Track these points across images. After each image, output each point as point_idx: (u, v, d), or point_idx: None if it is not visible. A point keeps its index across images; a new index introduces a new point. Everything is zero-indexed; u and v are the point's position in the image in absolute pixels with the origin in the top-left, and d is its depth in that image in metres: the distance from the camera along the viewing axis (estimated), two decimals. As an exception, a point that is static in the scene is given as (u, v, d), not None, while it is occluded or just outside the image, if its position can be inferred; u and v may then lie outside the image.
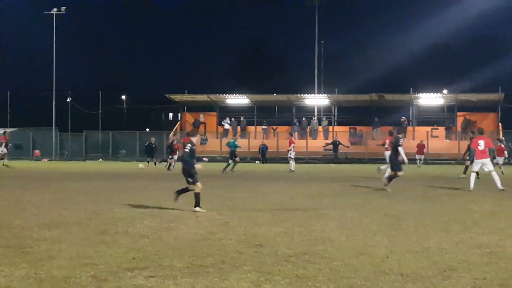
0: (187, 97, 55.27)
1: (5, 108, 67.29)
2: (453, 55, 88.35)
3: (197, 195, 12.37)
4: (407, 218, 11.45)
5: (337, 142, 44.99)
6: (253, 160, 46.95)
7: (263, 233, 9.61)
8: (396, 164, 17.90)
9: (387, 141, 23.99)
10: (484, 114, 52.17)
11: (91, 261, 7.32)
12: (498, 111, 50.75)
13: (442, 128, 52.06)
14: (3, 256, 7.64)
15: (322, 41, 65.93)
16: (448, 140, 50.61)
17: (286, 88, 68.33)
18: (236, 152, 30.44)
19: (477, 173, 25.24)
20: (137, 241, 8.84)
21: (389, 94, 53.15)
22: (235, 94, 54.99)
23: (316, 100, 55.94)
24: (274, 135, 51.94)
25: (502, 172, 27.10)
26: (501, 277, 6.61)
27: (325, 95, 55.08)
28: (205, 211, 12.18)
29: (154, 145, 37.02)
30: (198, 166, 12.64)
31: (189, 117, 55.65)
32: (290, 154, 32.19)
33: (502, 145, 30.37)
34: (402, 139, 18.34)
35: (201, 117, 54.26)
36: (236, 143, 31.16)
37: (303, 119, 53.93)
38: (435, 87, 61.24)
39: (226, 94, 54.83)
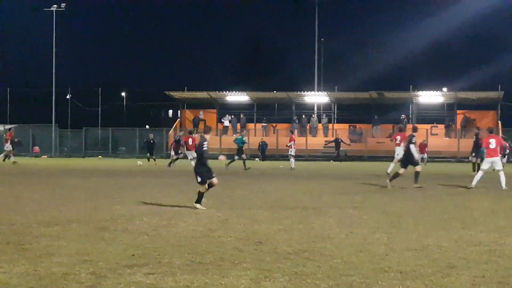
0: (187, 94, 55.22)
1: (4, 105, 67.22)
2: (453, 53, 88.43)
3: (201, 194, 12.36)
4: (406, 216, 11.45)
5: (339, 140, 44.99)
6: (252, 157, 46.94)
7: (263, 230, 9.61)
8: (414, 160, 18.17)
9: (398, 137, 24.12)
10: (483, 112, 52.18)
11: (90, 257, 7.32)
12: (498, 109, 50.75)
13: (441, 126, 52.05)
14: (2, 252, 7.64)
15: (322, 39, 65.89)
16: (447, 138, 50.62)
17: (286, 85, 68.23)
18: (243, 148, 30.73)
19: (473, 169, 25.25)
20: (136, 238, 8.84)
21: (388, 92, 53.13)
22: (235, 91, 54.95)
23: (316, 98, 55.92)
24: (273, 133, 51.91)
25: None
26: (500, 275, 6.61)
27: (325, 93, 55.05)
28: (205, 208, 12.19)
29: (152, 141, 36.91)
30: (222, 157, 12.67)
31: (189, 114, 55.63)
32: (291, 151, 32.22)
33: (507, 144, 30.53)
34: (415, 138, 18.63)
35: (201, 114, 54.23)
36: (244, 139, 31.45)
37: (303, 116, 53.91)
38: (435, 85, 61.21)
39: (226, 91, 54.79)
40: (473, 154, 26.58)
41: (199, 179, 12.39)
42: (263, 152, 46.71)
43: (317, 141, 50.92)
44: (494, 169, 18.24)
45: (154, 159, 35.90)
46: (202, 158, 12.45)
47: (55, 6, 56.62)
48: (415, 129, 19.65)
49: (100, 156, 50.51)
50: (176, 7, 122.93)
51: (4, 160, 35.83)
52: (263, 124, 53.71)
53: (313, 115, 54.92)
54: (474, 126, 37.46)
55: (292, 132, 34.78)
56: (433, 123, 52.99)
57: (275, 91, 56.93)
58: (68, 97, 67.15)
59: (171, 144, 36.01)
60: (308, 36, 69.25)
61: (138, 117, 79.86)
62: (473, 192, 16.99)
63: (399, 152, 23.88)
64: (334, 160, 43.62)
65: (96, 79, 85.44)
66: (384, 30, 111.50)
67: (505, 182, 17.61)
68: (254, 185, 19.26)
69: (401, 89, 56.03)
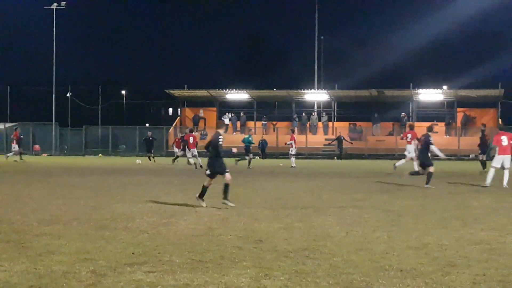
0: (187, 92, 55.19)
1: (5, 103, 67.22)
2: (453, 50, 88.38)
3: (204, 188, 12.45)
4: (407, 214, 11.45)
5: (342, 138, 44.99)
6: (253, 156, 46.87)
7: (263, 228, 9.61)
8: (427, 160, 17.94)
9: (409, 135, 24.08)
10: (484, 110, 52.12)
11: (90, 256, 7.32)
12: (498, 107, 50.70)
13: (442, 124, 52.00)
14: (2, 251, 7.64)
15: (322, 37, 65.83)
16: (448, 136, 50.57)
17: (286, 83, 68.26)
18: (250, 147, 30.98)
19: (483, 166, 25.16)
20: (136, 236, 8.84)
21: (389, 90, 53.09)
22: (235, 89, 54.89)
23: (316, 96, 55.88)
24: (274, 131, 51.88)
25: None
26: (501, 273, 6.61)
27: (325, 91, 55.00)
28: (206, 206, 12.19)
29: (151, 138, 36.83)
30: (234, 149, 12.60)
31: (189, 112, 55.59)
32: (292, 151, 32.23)
33: None
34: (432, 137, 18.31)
35: (201, 113, 54.20)
36: (250, 138, 31.60)
37: (303, 114, 53.87)
38: (435, 83, 61.18)
39: (226, 89, 54.74)
40: (480, 152, 26.49)
41: (208, 172, 12.43)
42: (263, 150, 46.69)
43: (317, 139, 50.88)
44: (502, 167, 17.85)
45: (153, 157, 35.77)
46: (217, 152, 12.39)
47: (55, 4, 56.54)
48: (430, 129, 18.87)
49: (100, 155, 50.50)
50: (177, 5, 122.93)
51: (20, 158, 36.36)
52: (263, 122, 53.68)
53: (313, 113, 54.88)
54: (480, 124, 37.38)
55: (293, 132, 34.81)
56: (433, 121, 52.92)
57: (275, 89, 56.89)
58: (68, 95, 67.16)
59: (176, 141, 35.81)
60: (308, 34, 69.34)
61: (138, 115, 79.89)
62: (473, 190, 16.98)
63: (410, 150, 23.83)
64: (338, 158, 43.55)
65: (97, 77, 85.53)
66: (384, 28, 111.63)
67: (507, 181, 17.50)
68: (254, 183, 19.26)
69: (401, 87, 56.02)
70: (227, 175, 12.25)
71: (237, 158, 30.85)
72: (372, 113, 53.00)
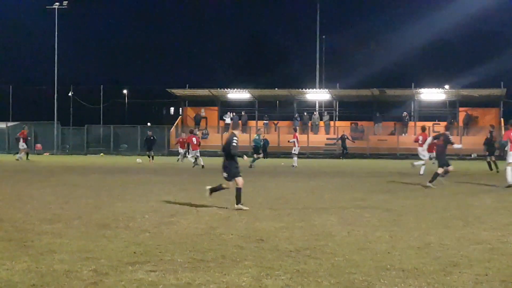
0: (188, 91, 55.21)
1: (7, 102, 67.27)
2: (455, 50, 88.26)
3: (238, 190, 12.03)
4: (408, 214, 11.44)
5: (345, 137, 45.00)
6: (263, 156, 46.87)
7: (264, 228, 9.61)
8: (445, 160, 18.06)
9: (420, 138, 24.00)
10: (486, 110, 52.05)
11: (92, 255, 7.33)
12: (500, 107, 50.64)
13: (443, 124, 51.96)
14: (4, 249, 7.64)
15: (324, 36, 65.78)
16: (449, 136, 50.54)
17: (288, 82, 68.26)
18: (259, 147, 31.11)
19: (490, 168, 25.12)
20: (138, 235, 8.84)
21: (390, 89, 53.07)
22: (236, 88, 54.88)
23: (318, 95, 55.85)
24: (275, 130, 51.89)
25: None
26: (503, 273, 6.59)
27: (327, 90, 54.97)
28: (248, 208, 11.80)
29: (152, 138, 36.79)
30: (245, 158, 12.43)
31: (190, 112, 55.61)
32: (294, 150, 32.21)
33: None
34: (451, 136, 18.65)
35: (202, 112, 54.21)
36: (258, 138, 31.68)
37: (305, 113, 53.86)
38: (437, 82, 61.09)
39: (227, 88, 54.74)
40: (488, 154, 26.37)
41: (225, 174, 12.16)
42: (264, 150, 46.69)
43: (318, 139, 50.87)
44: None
45: (153, 157, 35.62)
46: (230, 154, 12.12)
47: (57, 4, 56.59)
48: (448, 128, 19.13)
49: (102, 154, 50.54)
50: (178, 4, 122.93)
51: (27, 158, 36.31)
52: (265, 121, 53.67)
53: (314, 113, 54.86)
54: (481, 123, 37.29)
55: (295, 130, 34.85)
56: (435, 121, 52.89)
57: (276, 89, 56.89)
58: (70, 94, 67.16)
59: (180, 141, 35.67)
60: (309, 33, 69.31)
61: (139, 114, 79.87)
62: (475, 190, 16.96)
63: (424, 153, 23.67)
64: (343, 158, 43.41)
65: (98, 77, 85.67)
66: (386, 27, 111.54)
67: (511, 178, 17.40)
68: (255, 182, 19.25)
69: (403, 86, 55.96)
70: (239, 179, 12.04)
71: (251, 161, 30.21)
72: (374, 113, 52.97)
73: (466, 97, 52.05)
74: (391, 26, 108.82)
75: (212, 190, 12.35)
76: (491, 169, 25.24)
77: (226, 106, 56.02)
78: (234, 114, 54.50)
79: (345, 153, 44.30)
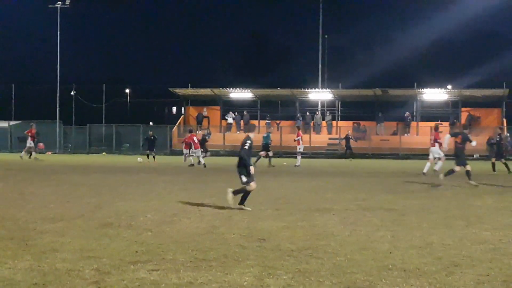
0: (190, 91, 55.20)
1: (9, 101, 67.35)
2: (458, 50, 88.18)
3: (247, 193, 11.96)
4: (410, 214, 11.43)
5: (349, 137, 44.97)
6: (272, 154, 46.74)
7: (266, 227, 9.61)
8: (463, 159, 18.22)
9: (432, 137, 23.97)
10: (488, 110, 51.97)
11: (94, 254, 7.34)
12: (503, 107, 50.57)
13: (446, 124, 51.89)
14: (6, 248, 7.66)
15: (326, 36, 65.72)
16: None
17: (290, 82, 68.26)
18: (269, 146, 30.89)
19: (494, 169, 25.07)
20: (140, 234, 8.85)
21: (393, 89, 53.00)
22: (239, 88, 54.87)
23: (320, 95, 55.82)
24: (277, 130, 51.88)
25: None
26: (505, 273, 6.59)
27: (329, 90, 54.94)
28: (250, 209, 11.75)
29: (152, 137, 36.65)
30: (252, 169, 11.90)
31: (193, 111, 55.61)
32: (299, 148, 32.18)
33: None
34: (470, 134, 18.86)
35: (205, 111, 54.20)
36: (265, 136, 31.64)
37: (307, 113, 53.83)
38: (439, 82, 61.00)
39: (229, 88, 54.73)
40: (496, 158, 26.22)
41: (244, 179, 11.89)
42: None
43: (321, 139, 50.84)
44: None
45: (154, 156, 35.46)
46: (242, 158, 11.93)
47: (60, 3, 56.62)
48: (466, 126, 19.28)
49: (104, 153, 50.58)
50: (181, 3, 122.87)
51: (29, 157, 36.17)
52: (267, 121, 53.66)
53: (317, 112, 54.83)
54: (485, 123, 37.16)
55: (299, 129, 34.88)
56: (438, 121, 52.83)
57: (279, 88, 56.85)
58: (72, 93, 67.21)
59: (186, 142, 35.42)
60: (312, 33, 69.14)
61: (142, 114, 79.90)
62: (477, 190, 16.94)
63: (437, 151, 23.59)
64: (352, 158, 43.12)
65: (100, 76, 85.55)
66: (388, 27, 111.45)
67: None
68: (257, 182, 19.20)
69: (405, 86, 55.87)
70: (252, 184, 11.92)
71: (269, 162, 29.96)
72: (376, 113, 52.93)
73: (469, 97, 52.00)
74: (393, 26, 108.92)
75: (236, 193, 11.97)
76: (494, 170, 25.19)
77: (228, 106, 56.00)
78: (236, 113, 54.50)
79: (351, 153, 44.12)
